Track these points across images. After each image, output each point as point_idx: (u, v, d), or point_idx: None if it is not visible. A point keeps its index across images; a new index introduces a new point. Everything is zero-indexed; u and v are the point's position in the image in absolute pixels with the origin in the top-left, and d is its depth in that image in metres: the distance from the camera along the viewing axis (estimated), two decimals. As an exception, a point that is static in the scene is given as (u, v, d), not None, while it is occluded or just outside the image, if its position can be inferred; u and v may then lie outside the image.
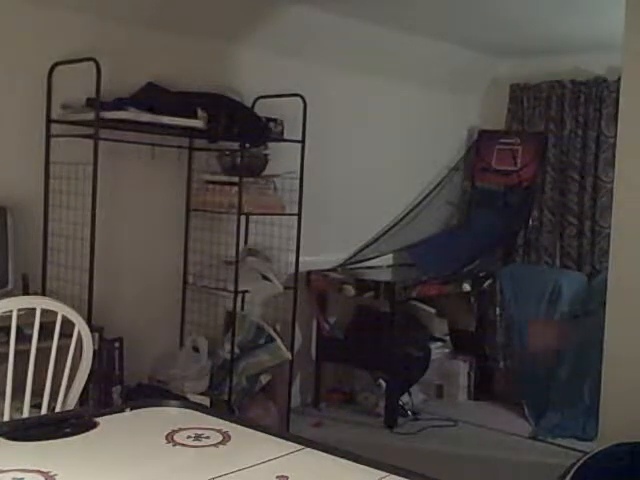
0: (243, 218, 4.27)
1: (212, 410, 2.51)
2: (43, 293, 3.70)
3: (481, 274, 5.41)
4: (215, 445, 1.93)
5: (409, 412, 4.91)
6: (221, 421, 2.11)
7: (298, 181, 4.36)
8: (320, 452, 1.92)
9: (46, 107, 3.70)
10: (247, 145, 4.20)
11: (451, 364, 5.43)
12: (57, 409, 2.51)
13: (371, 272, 5.20)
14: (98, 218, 3.57)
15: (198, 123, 3.91)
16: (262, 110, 4.34)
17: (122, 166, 4.02)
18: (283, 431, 3.60)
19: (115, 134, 3.82)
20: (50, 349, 2.48)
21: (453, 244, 5.54)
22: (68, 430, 1.98)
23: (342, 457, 1.88)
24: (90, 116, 3.54)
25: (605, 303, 3.51)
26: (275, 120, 4.35)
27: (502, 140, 5.70)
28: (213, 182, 4.28)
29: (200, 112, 3.92)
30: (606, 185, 5.13)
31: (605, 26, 4.42)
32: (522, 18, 4.57)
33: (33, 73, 3.68)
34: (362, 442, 4.28)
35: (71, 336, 2.51)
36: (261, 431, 2.07)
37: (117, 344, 3.85)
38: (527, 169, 5.55)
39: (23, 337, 2.62)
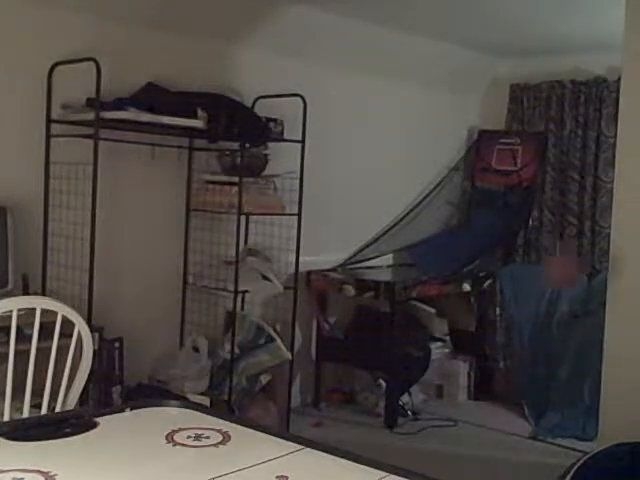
0: (243, 218, 4.27)
1: (212, 410, 2.51)
2: (43, 293, 3.70)
3: (481, 274, 5.41)
4: (215, 445, 1.93)
5: (409, 412, 4.91)
6: (221, 421, 2.11)
7: (298, 181, 4.36)
8: (320, 452, 1.92)
9: (46, 107, 3.70)
10: (247, 145, 4.20)
11: (451, 364, 5.43)
12: (57, 409, 2.51)
13: (371, 272, 5.20)
14: (98, 218, 3.57)
15: (198, 123, 3.91)
16: (262, 110, 4.34)
17: (122, 166, 4.03)
18: (283, 431, 3.60)
19: (115, 134, 3.82)
20: (50, 349, 2.48)
21: (453, 244, 5.54)
22: (68, 430, 1.98)
23: (342, 457, 1.88)
24: (90, 116, 3.54)
25: (605, 303, 3.51)
26: (275, 120, 4.35)
27: (502, 140, 5.70)
28: (213, 182, 4.28)
29: (200, 112, 3.92)
30: (606, 185, 5.13)
31: (605, 26, 4.42)
32: (522, 18, 4.57)
33: (33, 73, 3.68)
34: (362, 442, 4.28)
35: (71, 336, 2.51)
36: (261, 431, 2.07)
37: (117, 344, 3.85)
38: (527, 169, 5.55)
39: (23, 337, 2.62)
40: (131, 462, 1.83)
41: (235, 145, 4.21)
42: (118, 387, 3.81)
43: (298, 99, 4.26)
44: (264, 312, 4.57)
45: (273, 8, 4.33)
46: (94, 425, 2.03)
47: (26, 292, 3.53)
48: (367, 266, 5.31)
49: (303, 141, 4.34)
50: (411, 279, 5.05)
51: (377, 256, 5.40)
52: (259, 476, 1.76)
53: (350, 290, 4.89)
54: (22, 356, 2.46)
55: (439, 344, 5.36)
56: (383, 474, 1.77)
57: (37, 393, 2.51)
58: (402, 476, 1.75)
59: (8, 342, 2.43)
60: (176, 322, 4.40)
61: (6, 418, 2.43)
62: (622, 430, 3.20)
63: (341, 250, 5.22)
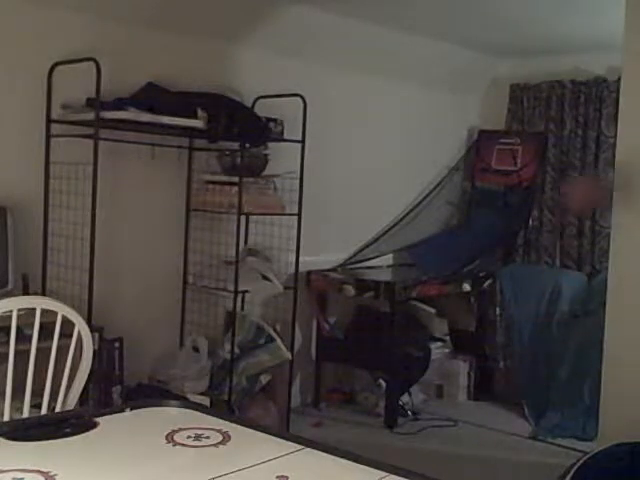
0: (243, 218, 4.27)
1: (212, 410, 2.51)
2: (43, 293, 3.71)
3: (481, 274, 5.41)
4: (215, 445, 1.93)
5: (409, 412, 4.91)
6: (221, 421, 2.11)
7: (298, 181, 4.36)
8: (320, 452, 1.92)
9: (46, 107, 3.70)
10: (247, 145, 4.20)
11: (451, 364, 5.43)
12: (57, 409, 2.51)
13: (371, 272, 5.20)
14: (98, 218, 3.57)
15: (198, 123, 3.91)
16: (262, 110, 4.34)
17: (122, 166, 4.03)
18: (283, 431, 3.60)
19: (115, 134, 3.82)
20: (50, 349, 2.48)
21: (453, 244, 5.54)
22: (68, 430, 1.98)
23: (342, 457, 1.88)
24: (90, 116, 3.54)
25: (605, 303, 3.51)
26: (275, 120, 4.35)
27: (502, 140, 5.70)
28: (213, 182, 4.28)
29: (200, 112, 3.92)
30: (606, 185, 5.13)
31: (605, 26, 4.42)
32: (522, 18, 4.57)
33: (33, 73, 3.68)
34: (362, 442, 4.28)
35: (71, 336, 2.51)
36: (261, 431, 2.07)
37: (117, 344, 3.85)
38: (527, 169, 5.55)
39: (23, 337, 2.62)
40: (131, 462, 1.83)
41: (235, 145, 4.21)
42: (118, 387, 3.81)
43: (298, 99, 4.26)
44: (264, 312, 4.57)
45: (273, 8, 4.33)
46: (94, 425, 2.03)
47: (26, 292, 3.53)
48: (367, 266, 5.31)
49: (303, 141, 4.34)
50: (411, 279, 5.05)
51: (377, 256, 5.40)
52: (259, 476, 1.76)
53: (350, 290, 4.89)
54: (22, 356, 2.46)
55: (439, 344, 5.36)
56: (383, 474, 1.77)
57: (37, 393, 2.51)
58: (402, 476, 1.75)
59: (8, 342, 2.43)
60: (176, 322, 4.40)
61: (6, 418, 2.43)
62: (622, 430, 3.20)
63: (341, 250, 5.22)
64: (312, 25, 4.58)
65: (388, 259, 5.51)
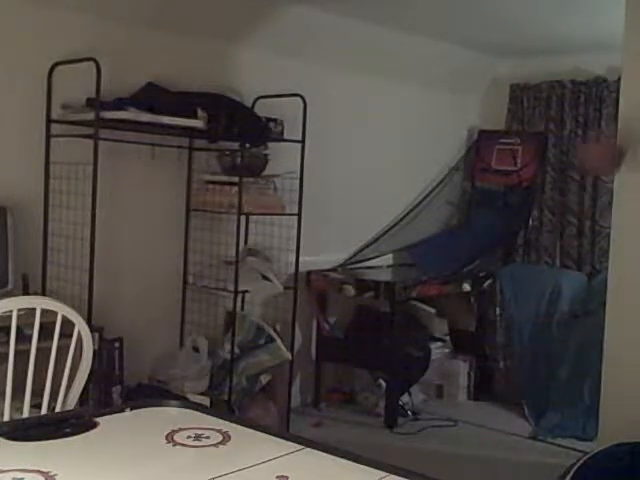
0: (243, 218, 4.27)
1: (212, 410, 2.51)
2: (43, 293, 3.71)
3: (481, 274, 5.41)
4: (215, 445, 1.93)
5: (409, 412, 4.91)
6: (221, 421, 2.11)
7: (298, 181, 4.36)
8: (320, 452, 1.92)
9: (46, 107, 3.70)
10: (247, 145, 4.20)
11: (451, 364, 5.43)
12: (57, 409, 2.51)
13: (371, 272, 5.20)
14: (98, 218, 3.57)
15: (198, 123, 3.91)
16: (262, 110, 4.34)
17: (122, 166, 4.03)
18: (283, 431, 3.60)
19: (115, 134, 3.82)
20: (50, 349, 2.48)
21: (453, 244, 5.54)
22: (68, 430, 1.98)
23: (342, 457, 1.88)
24: (90, 116, 3.54)
25: (605, 303, 3.51)
26: (275, 120, 4.35)
27: (502, 140, 5.70)
28: (213, 182, 4.28)
29: (200, 112, 3.92)
30: (606, 185, 5.12)
31: (605, 26, 4.42)
32: (522, 18, 4.57)
33: (33, 73, 3.68)
34: (362, 442, 4.28)
35: (71, 336, 2.51)
36: (261, 431, 2.07)
37: (117, 344, 3.85)
38: (527, 169, 5.55)
39: (23, 337, 2.62)
40: (131, 462, 1.83)
41: (235, 145, 4.21)
42: (118, 387, 3.81)
43: (298, 99, 4.26)
44: (264, 312, 4.57)
45: (273, 8, 4.33)
46: (94, 425, 2.03)
47: (26, 292, 3.53)
48: (367, 266, 5.31)
49: (303, 141, 4.34)
50: (411, 279, 5.05)
51: (377, 256, 5.40)
52: (259, 476, 1.76)
53: (350, 290, 4.89)
54: (22, 356, 2.46)
55: (439, 344, 5.36)
56: (383, 474, 1.77)
57: (37, 393, 2.51)
58: (402, 476, 1.75)
59: (8, 342, 2.44)
60: (176, 322, 4.40)
61: (6, 418, 2.43)
62: (622, 430, 3.20)
63: (341, 250, 5.22)
64: (312, 25, 4.58)
65: (388, 259, 5.51)
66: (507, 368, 5.43)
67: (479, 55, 5.54)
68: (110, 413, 2.17)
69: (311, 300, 4.99)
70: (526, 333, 5.08)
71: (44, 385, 2.49)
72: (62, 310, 2.52)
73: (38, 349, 2.47)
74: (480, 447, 4.52)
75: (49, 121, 3.71)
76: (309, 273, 4.92)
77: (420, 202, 5.63)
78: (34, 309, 2.48)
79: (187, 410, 2.23)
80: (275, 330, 4.39)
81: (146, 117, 3.71)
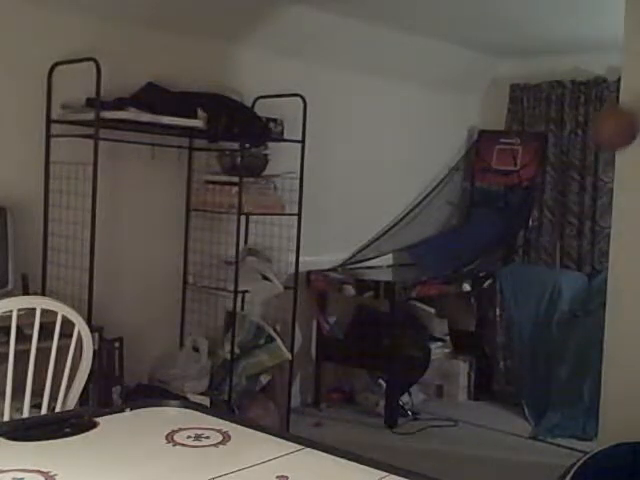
0: (243, 218, 4.27)
1: (212, 410, 2.51)
2: (43, 293, 3.70)
3: (481, 274, 5.41)
4: (215, 445, 1.93)
5: (409, 412, 4.91)
6: (221, 421, 2.11)
7: (298, 181, 4.36)
8: (320, 452, 1.92)
9: (46, 107, 3.70)
10: (247, 145, 4.20)
11: (451, 364, 5.43)
12: (57, 409, 2.51)
13: (371, 272, 5.20)
14: (98, 218, 3.57)
15: (198, 123, 3.91)
16: (262, 110, 4.34)
17: (122, 166, 4.03)
18: (283, 431, 3.60)
19: (115, 134, 3.82)
20: (50, 349, 2.48)
21: (453, 244, 5.54)
22: (68, 430, 1.99)
23: (342, 457, 1.88)
24: (90, 116, 3.54)
25: (605, 303, 3.51)
26: (275, 120, 4.35)
27: (502, 140, 5.70)
28: (213, 182, 4.28)
29: (200, 112, 3.92)
30: (606, 185, 5.13)
31: (605, 26, 4.42)
32: (522, 18, 4.57)
33: (33, 73, 3.68)
34: (362, 442, 4.27)
35: (71, 336, 2.51)
36: (261, 431, 2.07)
37: (117, 344, 3.85)
38: (527, 169, 5.55)
39: (23, 337, 2.63)
40: (131, 462, 1.83)
41: (235, 145, 4.21)
42: (118, 387, 3.81)
43: (298, 99, 4.26)
44: (264, 312, 4.57)
45: (273, 8, 4.33)
46: (94, 425, 2.03)
47: (26, 292, 3.53)
48: (367, 266, 5.31)
49: (303, 141, 4.34)
50: (411, 279, 5.05)
51: (377, 256, 5.40)
52: (259, 476, 1.76)
53: (350, 290, 4.89)
54: (22, 356, 2.46)
55: (439, 344, 5.36)
56: (383, 474, 1.77)
57: (37, 393, 2.51)
58: (402, 476, 1.75)
59: (8, 342, 2.44)
60: (176, 322, 4.40)
61: (6, 418, 2.43)
62: (622, 430, 3.20)
63: (341, 250, 5.22)
64: (312, 25, 4.58)
65: (388, 259, 5.50)
66: (507, 368, 5.42)
67: (479, 55, 5.54)
68: (110, 413, 2.17)
69: (311, 300, 4.99)
70: (526, 333, 5.08)
71: (44, 385, 2.49)
72: (62, 310, 2.52)
73: (38, 349, 2.47)
74: (480, 447, 4.52)
75: (49, 121, 3.71)
76: (309, 273, 4.92)
77: (420, 202, 5.63)
78: (34, 309, 2.48)
79: (187, 410, 2.23)
80: (275, 330, 4.39)
81: (146, 117, 3.71)
